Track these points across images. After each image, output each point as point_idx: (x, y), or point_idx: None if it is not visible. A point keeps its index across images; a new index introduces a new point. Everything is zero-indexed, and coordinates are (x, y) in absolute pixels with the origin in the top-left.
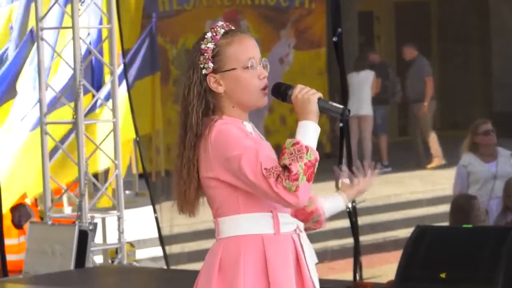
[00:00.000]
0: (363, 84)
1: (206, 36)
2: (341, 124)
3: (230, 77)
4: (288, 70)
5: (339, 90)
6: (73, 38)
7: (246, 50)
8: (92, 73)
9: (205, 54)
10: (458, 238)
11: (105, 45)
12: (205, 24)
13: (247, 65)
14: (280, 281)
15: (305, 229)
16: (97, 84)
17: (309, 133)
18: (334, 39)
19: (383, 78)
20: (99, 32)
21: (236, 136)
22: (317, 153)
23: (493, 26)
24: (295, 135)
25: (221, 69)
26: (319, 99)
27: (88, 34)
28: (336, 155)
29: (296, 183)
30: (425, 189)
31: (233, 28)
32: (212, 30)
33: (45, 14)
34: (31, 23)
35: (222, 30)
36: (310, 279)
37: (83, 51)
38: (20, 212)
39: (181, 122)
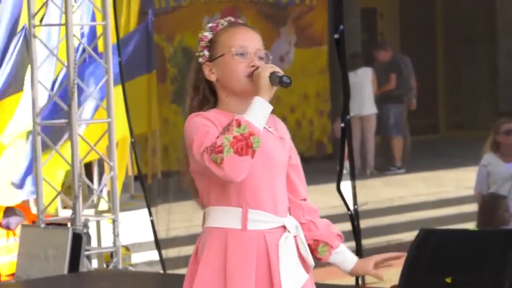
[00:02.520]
0: (363, 83)
1: (207, 26)
2: (342, 125)
3: (219, 64)
4: (288, 68)
5: (341, 89)
6: (66, 36)
7: (239, 38)
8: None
9: (202, 42)
10: (463, 241)
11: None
12: (203, 21)
13: (235, 51)
14: (235, 278)
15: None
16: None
17: (254, 108)
18: (336, 36)
19: (397, 74)
20: (91, 29)
21: (198, 124)
22: (256, 128)
23: (500, 23)
24: None
25: (214, 57)
26: (271, 73)
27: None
28: (337, 156)
29: (220, 155)
30: (429, 191)
31: (239, 22)
32: (215, 21)
33: (38, 11)
34: (23, 19)
35: (225, 23)
36: (278, 282)
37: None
38: (7, 214)
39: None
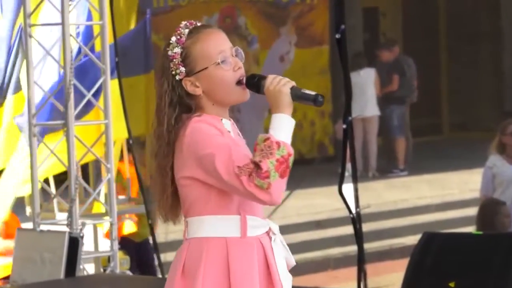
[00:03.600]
0: (365, 84)
1: (171, 41)
2: (344, 126)
3: (204, 77)
4: (289, 68)
5: (343, 90)
6: (63, 36)
7: (214, 45)
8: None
9: (174, 60)
10: (467, 245)
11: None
12: (201, 21)
13: (217, 60)
14: (242, 285)
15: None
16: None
17: (282, 127)
18: (337, 36)
19: (400, 75)
20: (87, 28)
21: (210, 133)
22: (290, 148)
23: (505, 22)
24: (269, 129)
25: (193, 71)
26: (291, 88)
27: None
28: (339, 158)
29: (267, 181)
30: (433, 194)
31: (198, 24)
32: (176, 33)
33: (34, 10)
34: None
35: (186, 31)
36: (279, 284)
37: (74, 50)
38: None
39: (154, 131)
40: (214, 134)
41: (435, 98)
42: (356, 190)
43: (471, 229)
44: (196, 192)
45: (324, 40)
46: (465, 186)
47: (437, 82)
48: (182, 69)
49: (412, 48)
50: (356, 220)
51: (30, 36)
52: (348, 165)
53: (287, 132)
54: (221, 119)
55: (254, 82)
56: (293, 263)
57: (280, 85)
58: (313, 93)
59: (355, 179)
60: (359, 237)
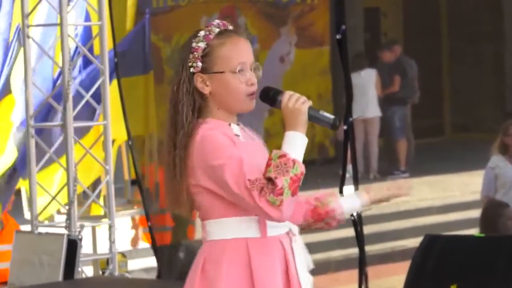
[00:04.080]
0: (366, 84)
1: (199, 34)
2: (345, 127)
3: (217, 80)
4: (289, 69)
5: (344, 91)
6: (61, 36)
7: (238, 53)
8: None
9: (195, 53)
10: (469, 248)
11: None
12: (201, 21)
13: (236, 69)
14: (266, 284)
15: (316, 228)
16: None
17: (297, 145)
18: (338, 36)
19: (401, 76)
20: (86, 29)
21: (220, 143)
22: (303, 166)
23: (506, 22)
24: (282, 146)
25: (209, 70)
26: (309, 108)
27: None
28: (340, 159)
29: (280, 198)
30: (434, 196)
31: (230, 27)
32: (207, 28)
33: (31, 11)
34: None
35: (217, 30)
36: (297, 284)
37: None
38: None
39: (170, 119)
40: (225, 144)
41: (437, 99)
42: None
43: (473, 231)
44: (209, 198)
45: (325, 41)
46: (467, 188)
47: (438, 83)
48: (199, 64)
49: (413, 49)
50: (357, 222)
51: (28, 37)
52: (349, 167)
53: (300, 150)
54: (229, 124)
55: (269, 96)
56: (311, 265)
57: (298, 103)
58: (331, 116)
59: (356, 181)
60: (360, 240)
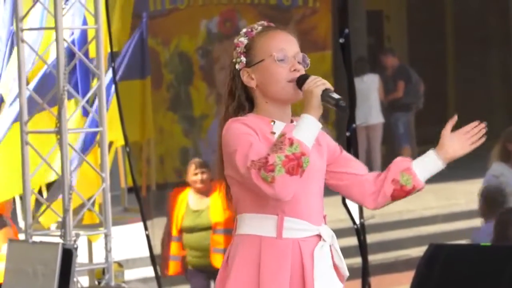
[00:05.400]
0: (369, 90)
1: (241, 32)
2: (348, 133)
3: (260, 69)
4: None
5: (346, 97)
6: (56, 40)
7: (277, 42)
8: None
9: (238, 48)
10: (475, 257)
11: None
12: (200, 24)
13: (274, 55)
14: (270, 284)
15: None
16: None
17: (304, 127)
18: (341, 40)
19: (405, 82)
20: (83, 33)
21: (239, 132)
22: (306, 147)
23: None
24: None
25: (252, 62)
26: (324, 91)
27: (72, 34)
28: None
29: (271, 174)
30: (439, 204)
31: (273, 25)
32: (249, 26)
33: (26, 14)
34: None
35: (260, 28)
36: None
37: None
38: None
39: (221, 118)
40: (242, 133)
41: (442, 105)
42: None
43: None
44: (237, 191)
45: (327, 45)
46: (473, 196)
47: (444, 88)
48: (243, 58)
49: (417, 53)
50: (360, 231)
51: (22, 41)
52: None
53: (309, 133)
54: (272, 121)
55: (301, 81)
56: (346, 273)
57: (312, 85)
58: (336, 96)
59: None
60: (363, 249)
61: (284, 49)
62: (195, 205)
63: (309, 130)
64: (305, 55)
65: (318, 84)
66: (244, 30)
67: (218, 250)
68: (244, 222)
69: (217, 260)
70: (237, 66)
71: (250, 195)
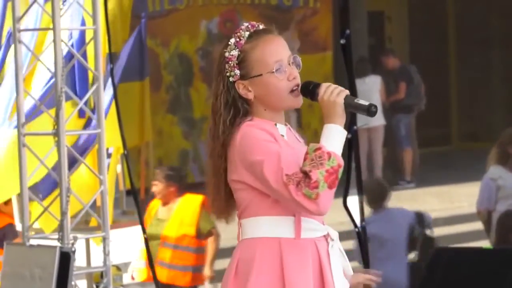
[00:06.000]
0: (371, 92)
1: (230, 43)
2: (349, 135)
3: (258, 83)
4: None
5: None
6: (54, 41)
7: (272, 53)
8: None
9: (230, 62)
10: (478, 260)
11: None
12: (200, 25)
13: (273, 69)
14: (296, 283)
15: None
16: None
17: (333, 138)
18: (342, 41)
19: (407, 83)
20: (81, 34)
21: (260, 139)
22: (341, 159)
23: None
24: (320, 139)
25: (248, 75)
26: (345, 98)
27: (71, 38)
28: (344, 168)
29: (316, 191)
30: (441, 207)
31: (259, 27)
32: (236, 35)
33: (23, 14)
34: (9, 23)
35: (247, 33)
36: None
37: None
38: (4, 231)
39: (210, 131)
40: (264, 140)
41: (444, 106)
42: (361, 202)
43: (481, 243)
44: (250, 194)
45: (328, 46)
46: (475, 199)
47: (446, 89)
48: (237, 71)
49: (419, 54)
50: (362, 234)
51: (20, 42)
52: None
53: (338, 143)
54: (275, 124)
55: (309, 90)
56: (350, 272)
57: (334, 95)
58: (366, 103)
59: (360, 192)
60: (364, 252)
61: (279, 60)
62: (161, 213)
63: (339, 140)
64: (296, 55)
65: (338, 92)
66: (233, 40)
67: (163, 264)
68: (258, 225)
69: (161, 274)
70: (231, 79)
71: (265, 199)
